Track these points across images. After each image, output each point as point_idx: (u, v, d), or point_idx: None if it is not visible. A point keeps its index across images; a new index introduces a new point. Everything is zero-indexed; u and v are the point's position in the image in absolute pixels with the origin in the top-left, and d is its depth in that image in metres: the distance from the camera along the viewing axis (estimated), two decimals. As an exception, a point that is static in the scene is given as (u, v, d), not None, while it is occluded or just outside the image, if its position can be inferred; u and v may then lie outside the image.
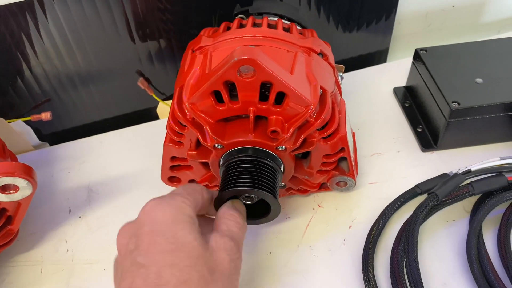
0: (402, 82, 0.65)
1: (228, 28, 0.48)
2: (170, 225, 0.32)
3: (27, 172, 0.40)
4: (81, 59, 0.59)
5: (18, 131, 0.62)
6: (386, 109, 0.63)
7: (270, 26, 0.46)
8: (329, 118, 0.42)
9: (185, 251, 0.31)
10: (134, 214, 0.52)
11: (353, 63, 0.73)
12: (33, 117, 0.57)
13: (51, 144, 0.66)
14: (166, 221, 0.33)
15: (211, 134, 0.40)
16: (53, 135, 0.66)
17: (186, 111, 0.40)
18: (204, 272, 0.31)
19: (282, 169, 0.43)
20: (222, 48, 0.43)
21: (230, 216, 0.38)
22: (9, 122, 0.60)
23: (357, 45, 0.72)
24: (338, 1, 0.64)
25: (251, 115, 0.40)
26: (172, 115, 0.43)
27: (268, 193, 0.39)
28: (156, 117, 0.69)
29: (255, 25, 0.47)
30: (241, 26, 0.47)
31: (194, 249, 0.32)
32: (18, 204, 0.44)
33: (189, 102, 0.39)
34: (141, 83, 0.61)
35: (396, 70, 0.67)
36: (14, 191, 0.41)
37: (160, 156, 0.47)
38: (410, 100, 0.62)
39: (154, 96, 0.62)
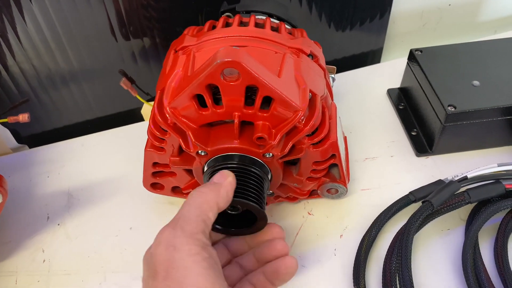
0: (396, 83, 0.63)
1: (214, 27, 0.45)
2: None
3: (-4, 181, 0.38)
4: (61, 58, 0.56)
5: (-6, 133, 0.59)
6: (380, 112, 0.61)
7: (257, 25, 0.44)
8: (319, 124, 0.40)
9: None
10: (115, 221, 0.51)
11: (345, 63, 0.71)
12: (10, 119, 0.54)
13: (30, 147, 0.63)
14: None
15: (193, 140, 0.38)
16: (33, 137, 0.63)
17: (167, 116, 0.38)
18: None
19: (269, 177, 0.41)
20: (206, 49, 0.41)
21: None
22: (-16, 124, 0.57)
23: (350, 45, 0.69)
24: (331, -2, 0.62)
25: (236, 121, 0.37)
26: (153, 119, 0.40)
27: (254, 204, 0.37)
28: (140, 119, 0.66)
29: (241, 24, 0.44)
30: (227, 25, 0.45)
31: None
32: (-12, 213, 0.41)
33: (170, 106, 0.37)
34: (124, 84, 0.58)
35: (390, 71, 0.65)
36: (-17, 201, 0.39)
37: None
38: (404, 102, 0.60)
39: (138, 97, 0.59)
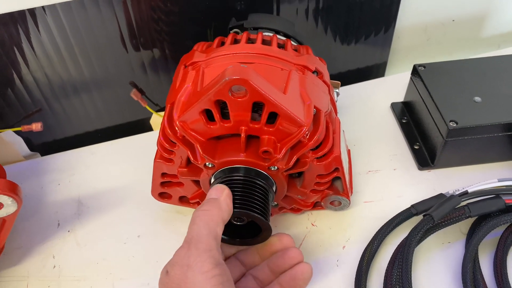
0: (400, 97, 0.64)
1: (222, 44, 0.47)
2: None
3: (12, 190, 0.39)
4: (73, 68, 0.58)
5: (8, 141, 0.61)
6: (383, 125, 0.62)
7: (264, 42, 0.46)
8: (323, 138, 0.41)
9: None
10: (123, 229, 0.52)
11: (350, 77, 0.72)
12: (23, 128, 0.56)
13: (42, 155, 0.65)
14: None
15: (201, 153, 0.39)
16: (44, 145, 0.65)
17: (177, 129, 0.40)
18: None
19: (274, 189, 0.43)
20: (214, 65, 0.42)
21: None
22: (-2, 132, 0.59)
23: (355, 58, 0.71)
24: (336, 12, 0.63)
25: (243, 135, 0.39)
26: (163, 132, 0.42)
27: (258, 215, 0.38)
28: (149, 128, 0.68)
29: (249, 40, 0.46)
30: (235, 41, 0.46)
31: None
32: (2, 220, 0.43)
33: (179, 120, 0.39)
34: (134, 95, 0.60)
35: (394, 85, 0.66)
36: (-2, 208, 0.40)
37: (152, 168, 0.46)
38: (407, 116, 0.61)
39: (147, 107, 0.61)
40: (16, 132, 0.61)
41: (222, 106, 0.38)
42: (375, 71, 0.74)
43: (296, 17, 0.62)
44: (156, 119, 0.66)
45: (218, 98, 0.36)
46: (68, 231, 0.52)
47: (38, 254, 0.50)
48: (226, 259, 0.42)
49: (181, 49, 0.59)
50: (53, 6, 0.51)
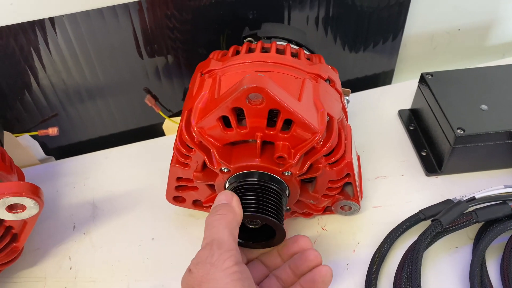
0: (407, 104, 0.65)
1: (237, 52, 0.48)
2: None
3: (35, 192, 0.40)
4: (89, 73, 0.59)
5: (25, 145, 0.62)
6: (391, 132, 0.63)
7: (278, 51, 0.47)
8: (335, 145, 0.42)
9: None
10: (137, 231, 0.53)
11: (358, 84, 0.73)
12: (40, 132, 0.57)
13: (57, 158, 0.66)
14: None
15: (218, 158, 0.41)
16: (59, 149, 0.66)
17: (194, 135, 0.41)
18: None
19: (287, 193, 0.44)
20: (231, 73, 0.44)
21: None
22: (16, 136, 0.61)
23: (363, 66, 0.72)
24: (346, 21, 0.65)
25: (258, 141, 0.40)
26: (180, 137, 0.43)
27: (273, 219, 0.40)
28: (162, 133, 0.69)
29: (263, 49, 0.47)
30: (250, 50, 0.48)
31: None
32: (24, 222, 0.44)
33: (197, 126, 0.40)
34: (148, 101, 0.61)
35: (401, 92, 0.67)
36: (21, 210, 0.41)
37: (165, 172, 0.47)
38: (415, 123, 0.63)
39: (160, 113, 0.62)
40: (32, 136, 0.62)
41: (238, 113, 0.40)
42: (382, 78, 0.75)
43: (307, 26, 0.63)
44: (169, 124, 0.67)
45: (236, 105, 0.38)
46: (84, 234, 0.54)
47: (54, 255, 0.52)
48: (249, 262, 0.44)
49: (194, 56, 0.61)
50: (72, 15, 0.53)
